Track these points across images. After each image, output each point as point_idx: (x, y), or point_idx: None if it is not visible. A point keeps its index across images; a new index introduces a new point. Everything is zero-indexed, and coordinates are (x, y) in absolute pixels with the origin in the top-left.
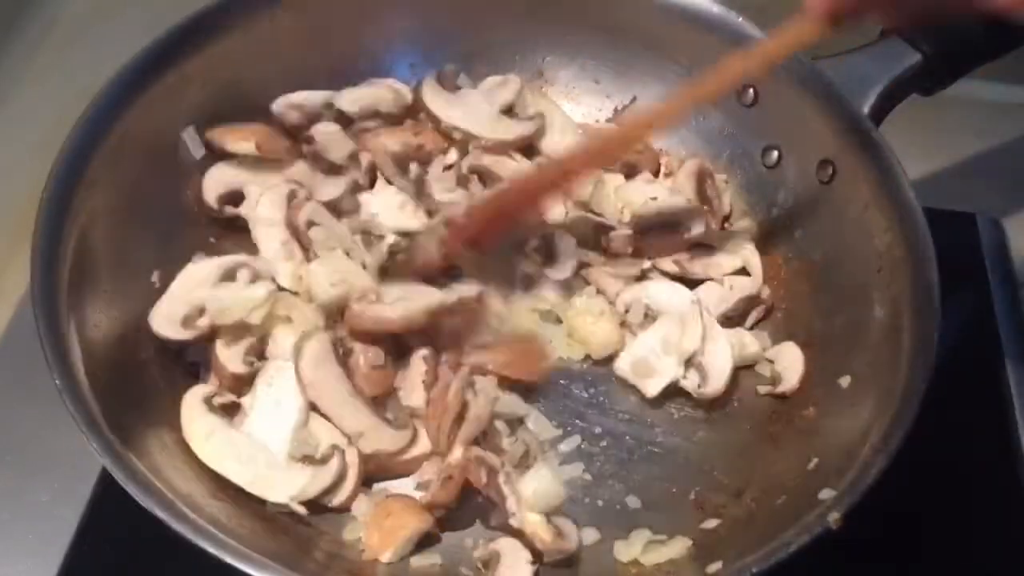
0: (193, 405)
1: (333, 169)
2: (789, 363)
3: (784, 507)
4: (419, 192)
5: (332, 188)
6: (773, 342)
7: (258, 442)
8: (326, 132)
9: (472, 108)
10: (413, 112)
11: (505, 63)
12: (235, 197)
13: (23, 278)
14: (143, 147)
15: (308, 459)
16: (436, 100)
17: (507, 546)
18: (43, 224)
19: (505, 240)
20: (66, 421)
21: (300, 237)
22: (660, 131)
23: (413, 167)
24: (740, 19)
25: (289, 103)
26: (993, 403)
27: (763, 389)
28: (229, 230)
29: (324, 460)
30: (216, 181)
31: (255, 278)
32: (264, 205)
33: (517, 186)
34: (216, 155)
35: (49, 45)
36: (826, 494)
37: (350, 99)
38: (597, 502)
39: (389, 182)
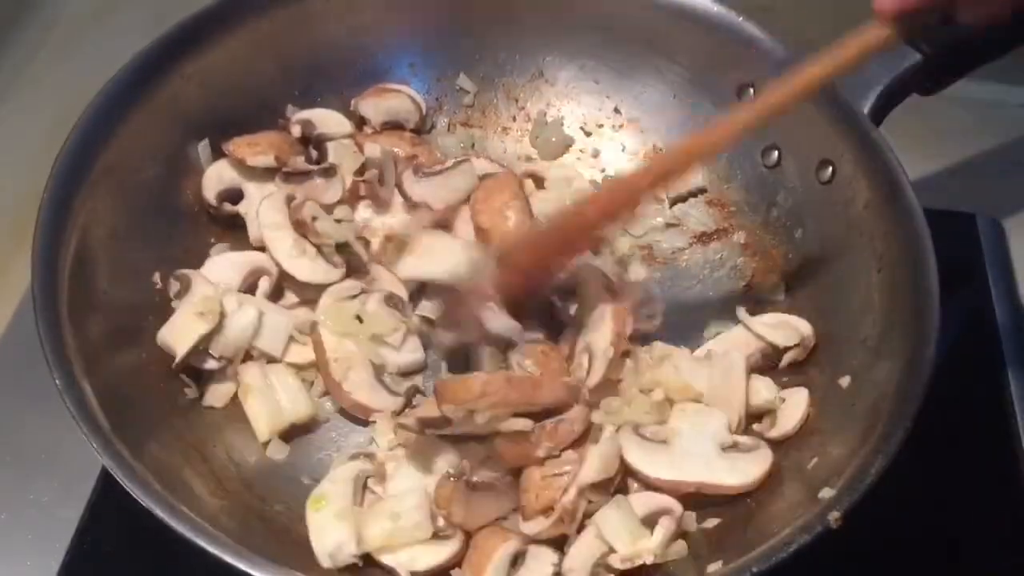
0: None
1: (331, 171)
2: (791, 410)
3: (784, 507)
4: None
5: (332, 192)
6: None
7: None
8: (339, 144)
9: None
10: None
11: (505, 63)
12: (233, 195)
13: (23, 278)
14: (143, 147)
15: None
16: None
17: (532, 546)
18: (43, 224)
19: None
20: (66, 421)
21: (307, 233)
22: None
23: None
24: (740, 19)
25: (301, 118)
26: (993, 403)
27: (757, 427)
28: (229, 229)
29: (445, 536)
30: (215, 179)
31: (274, 285)
32: (266, 212)
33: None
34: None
35: (49, 45)
36: (826, 494)
37: (374, 108)
38: None
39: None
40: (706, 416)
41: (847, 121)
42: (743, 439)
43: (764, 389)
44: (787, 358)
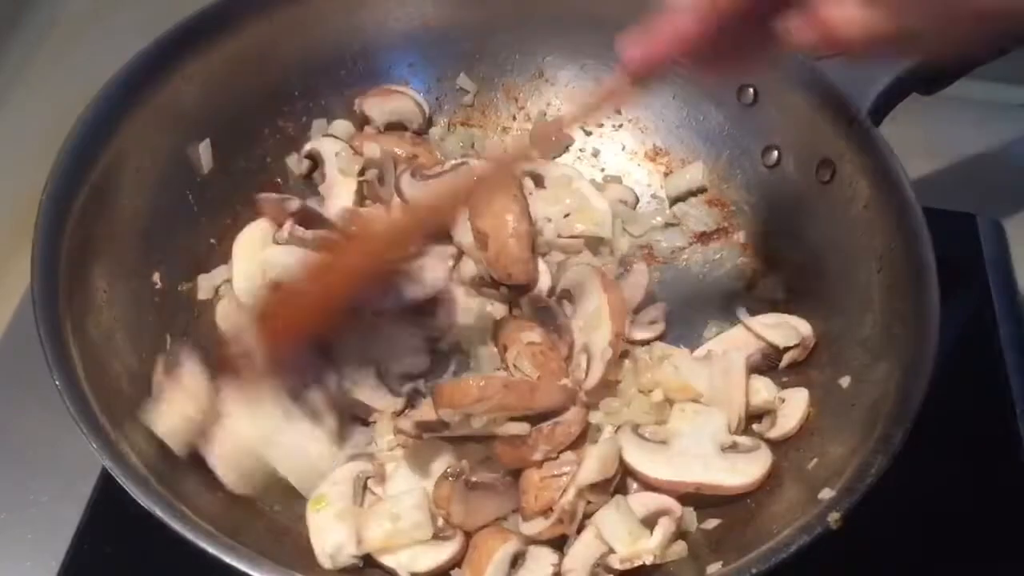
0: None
1: None
2: (791, 410)
3: (784, 507)
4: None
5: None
6: None
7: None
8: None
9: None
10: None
11: (505, 63)
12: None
13: (23, 278)
14: (143, 147)
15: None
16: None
17: (532, 547)
18: (43, 224)
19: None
20: (66, 421)
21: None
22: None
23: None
24: None
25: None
26: (993, 403)
27: (757, 428)
28: (230, 230)
29: (445, 537)
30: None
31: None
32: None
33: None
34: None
35: (49, 45)
36: (826, 494)
37: (379, 109)
38: None
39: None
40: (706, 416)
41: (847, 121)
42: (743, 440)
43: (764, 389)
44: (787, 358)
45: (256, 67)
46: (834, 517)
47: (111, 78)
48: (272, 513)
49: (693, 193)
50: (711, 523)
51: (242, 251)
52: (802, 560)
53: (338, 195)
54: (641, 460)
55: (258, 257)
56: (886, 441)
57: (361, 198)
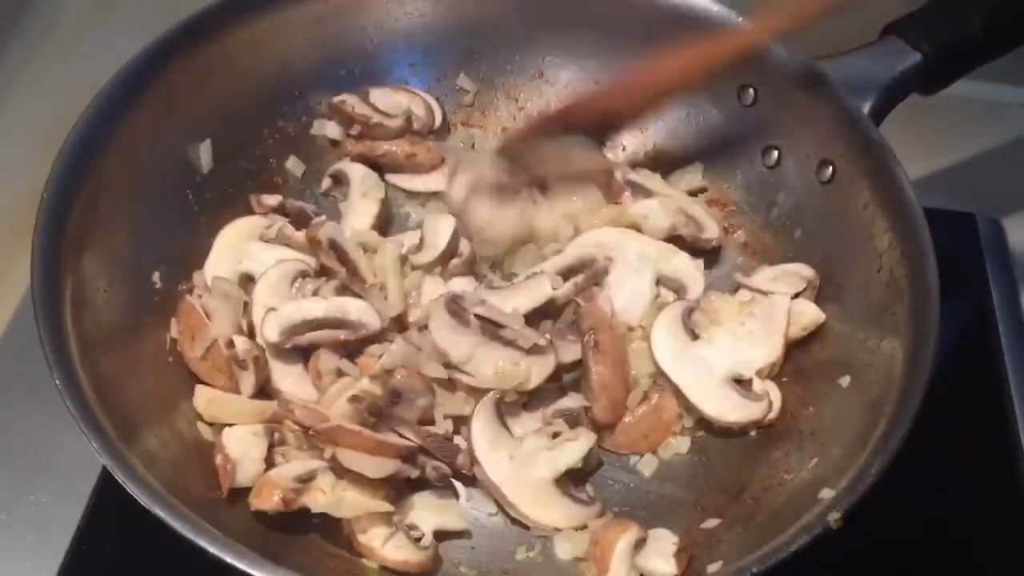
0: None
1: None
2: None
3: (784, 507)
4: None
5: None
6: None
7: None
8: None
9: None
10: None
11: (505, 63)
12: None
13: (23, 278)
14: (143, 147)
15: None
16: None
17: (652, 530)
18: (43, 224)
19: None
20: (66, 421)
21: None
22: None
23: None
24: (740, 19)
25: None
26: (993, 403)
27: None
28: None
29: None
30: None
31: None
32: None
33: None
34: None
35: (49, 45)
36: (826, 494)
37: (387, 100)
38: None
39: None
40: (749, 344)
41: (847, 121)
42: (758, 385)
43: (808, 308)
44: None
45: (256, 67)
46: (834, 517)
47: (111, 78)
48: (271, 512)
49: (693, 193)
50: (711, 523)
51: (224, 241)
52: (802, 560)
53: (357, 215)
54: (663, 339)
55: (238, 249)
56: (886, 441)
57: (380, 221)
